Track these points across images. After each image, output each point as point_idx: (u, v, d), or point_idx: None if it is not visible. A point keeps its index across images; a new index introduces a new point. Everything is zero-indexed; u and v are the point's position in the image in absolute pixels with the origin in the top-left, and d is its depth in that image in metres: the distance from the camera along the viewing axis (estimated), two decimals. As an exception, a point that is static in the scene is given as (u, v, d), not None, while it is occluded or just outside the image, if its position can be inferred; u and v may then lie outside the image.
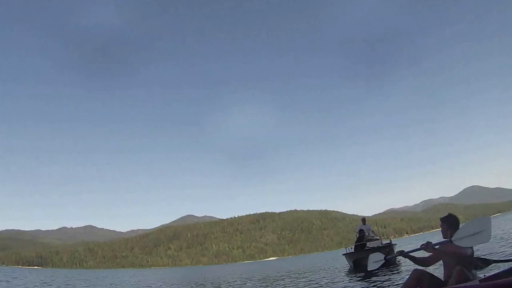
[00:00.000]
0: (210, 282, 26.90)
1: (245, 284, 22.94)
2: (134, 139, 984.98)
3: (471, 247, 6.10)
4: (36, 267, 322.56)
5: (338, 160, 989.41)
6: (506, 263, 7.32)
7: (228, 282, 25.21)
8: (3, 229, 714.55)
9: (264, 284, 20.47)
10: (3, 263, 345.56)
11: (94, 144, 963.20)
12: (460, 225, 6.09)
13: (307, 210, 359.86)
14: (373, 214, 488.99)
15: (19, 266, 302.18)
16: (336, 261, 37.69)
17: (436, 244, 6.09)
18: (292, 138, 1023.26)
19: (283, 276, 24.79)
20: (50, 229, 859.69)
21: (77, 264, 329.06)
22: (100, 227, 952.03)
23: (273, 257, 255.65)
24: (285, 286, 16.14)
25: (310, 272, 24.28)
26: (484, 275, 5.73)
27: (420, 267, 6.45)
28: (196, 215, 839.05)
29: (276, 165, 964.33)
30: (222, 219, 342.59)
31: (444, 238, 6.48)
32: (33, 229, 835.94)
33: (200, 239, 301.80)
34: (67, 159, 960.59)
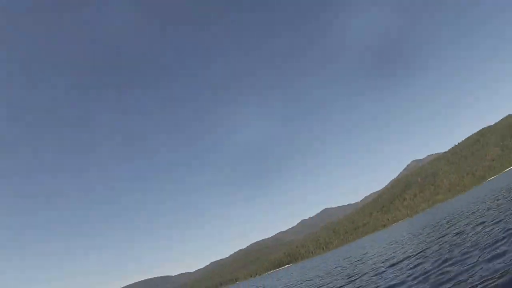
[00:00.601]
0: (446, 220, 27.23)
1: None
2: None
3: None
4: (287, 265, 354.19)
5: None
6: None
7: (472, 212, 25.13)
8: (249, 244, 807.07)
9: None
10: (257, 274, 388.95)
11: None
12: None
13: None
14: None
15: (271, 271, 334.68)
16: None
17: None
18: None
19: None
20: (289, 227, 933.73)
21: (323, 248, 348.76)
22: (335, 207, 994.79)
23: (501, 171, 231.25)
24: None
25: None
26: None
27: None
28: (419, 158, 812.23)
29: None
30: (445, 152, 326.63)
31: None
32: (275, 233, 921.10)
33: (430, 179, 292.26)
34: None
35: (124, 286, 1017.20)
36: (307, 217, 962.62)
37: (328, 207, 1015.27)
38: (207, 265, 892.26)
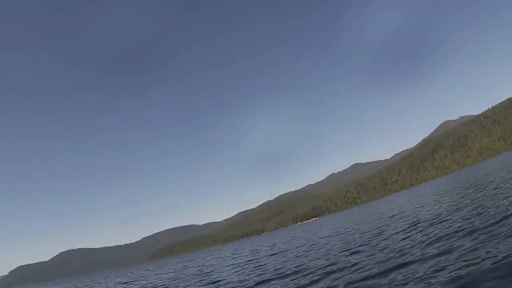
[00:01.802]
0: (473, 183, 29.87)
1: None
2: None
3: None
4: (313, 218, 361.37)
5: None
6: None
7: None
8: (277, 196, 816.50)
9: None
10: (283, 226, 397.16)
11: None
12: None
13: None
14: None
15: (298, 224, 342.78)
16: None
17: None
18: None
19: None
20: (318, 180, 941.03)
21: (351, 203, 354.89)
22: (365, 162, 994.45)
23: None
24: None
25: None
26: None
27: None
28: (452, 119, 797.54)
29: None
30: (478, 115, 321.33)
31: None
32: (303, 186, 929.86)
33: (462, 141, 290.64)
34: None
35: (150, 234, 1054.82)
36: (336, 172, 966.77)
37: (358, 162, 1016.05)
38: (234, 215, 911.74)
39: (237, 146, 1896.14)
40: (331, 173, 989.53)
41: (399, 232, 15.66)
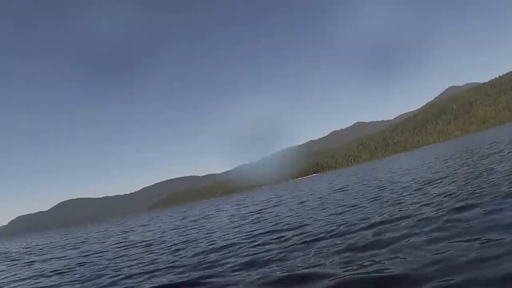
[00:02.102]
0: (471, 152, 29.71)
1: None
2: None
3: None
4: (313, 174, 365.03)
5: None
6: None
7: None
8: (279, 150, 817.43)
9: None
10: (283, 180, 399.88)
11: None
12: None
13: None
14: None
15: (298, 179, 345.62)
16: None
17: None
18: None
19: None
20: (321, 136, 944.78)
21: (352, 161, 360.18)
22: (368, 121, 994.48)
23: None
24: None
25: None
26: None
27: None
28: (458, 85, 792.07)
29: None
30: (484, 83, 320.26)
31: None
32: (305, 141, 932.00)
33: (466, 108, 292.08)
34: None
35: (151, 184, 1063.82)
36: (339, 129, 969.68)
37: (361, 121, 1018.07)
38: (235, 168, 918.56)
39: (237, 101, 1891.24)
40: (333, 130, 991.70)
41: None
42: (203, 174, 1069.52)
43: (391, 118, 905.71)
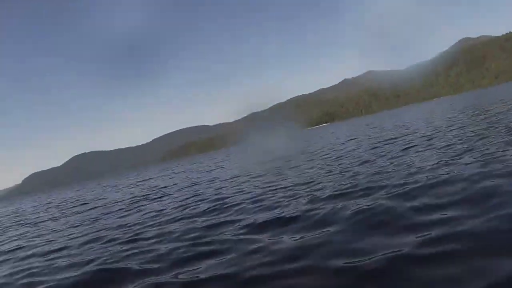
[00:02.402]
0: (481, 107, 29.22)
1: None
2: None
3: None
4: (324, 124, 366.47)
5: None
6: None
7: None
8: (288, 99, 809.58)
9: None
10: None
11: None
12: None
13: None
14: None
15: (308, 128, 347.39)
16: None
17: None
18: None
19: None
20: (332, 84, 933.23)
21: (362, 111, 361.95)
22: (380, 70, 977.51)
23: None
24: None
25: None
26: None
27: None
28: (471, 36, 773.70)
29: None
30: (498, 36, 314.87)
31: None
32: (316, 90, 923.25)
33: (479, 61, 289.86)
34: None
35: (162, 134, 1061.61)
36: (350, 77, 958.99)
37: (372, 69, 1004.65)
38: (245, 116, 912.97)
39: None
40: (344, 78, 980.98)
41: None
42: (214, 123, 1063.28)
43: (403, 67, 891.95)
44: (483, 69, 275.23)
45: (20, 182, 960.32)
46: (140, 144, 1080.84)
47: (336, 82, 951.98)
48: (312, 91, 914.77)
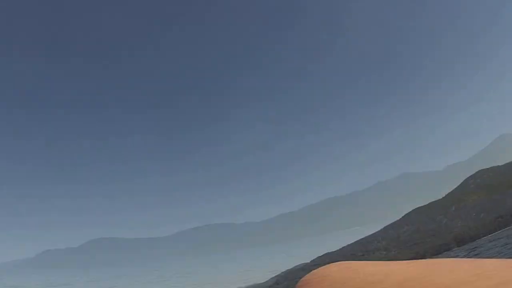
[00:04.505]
0: None
1: None
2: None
3: None
4: (356, 227, 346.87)
5: None
6: None
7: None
8: (320, 201, 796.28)
9: None
10: (321, 233, 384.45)
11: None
12: None
13: None
14: None
15: (341, 230, 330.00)
16: None
17: None
18: None
19: None
20: (366, 187, 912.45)
21: (397, 213, 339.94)
22: (414, 172, 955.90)
23: None
24: None
25: None
26: None
27: None
28: (510, 133, 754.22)
29: None
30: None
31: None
32: (349, 192, 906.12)
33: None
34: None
35: (187, 228, 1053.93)
36: (384, 180, 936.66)
37: (407, 172, 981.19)
38: (274, 217, 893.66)
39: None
40: (378, 180, 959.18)
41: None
42: (241, 222, 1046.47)
43: (440, 168, 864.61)
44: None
45: (33, 256, 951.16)
46: (162, 236, 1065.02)
47: (371, 185, 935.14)
48: (345, 194, 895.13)
